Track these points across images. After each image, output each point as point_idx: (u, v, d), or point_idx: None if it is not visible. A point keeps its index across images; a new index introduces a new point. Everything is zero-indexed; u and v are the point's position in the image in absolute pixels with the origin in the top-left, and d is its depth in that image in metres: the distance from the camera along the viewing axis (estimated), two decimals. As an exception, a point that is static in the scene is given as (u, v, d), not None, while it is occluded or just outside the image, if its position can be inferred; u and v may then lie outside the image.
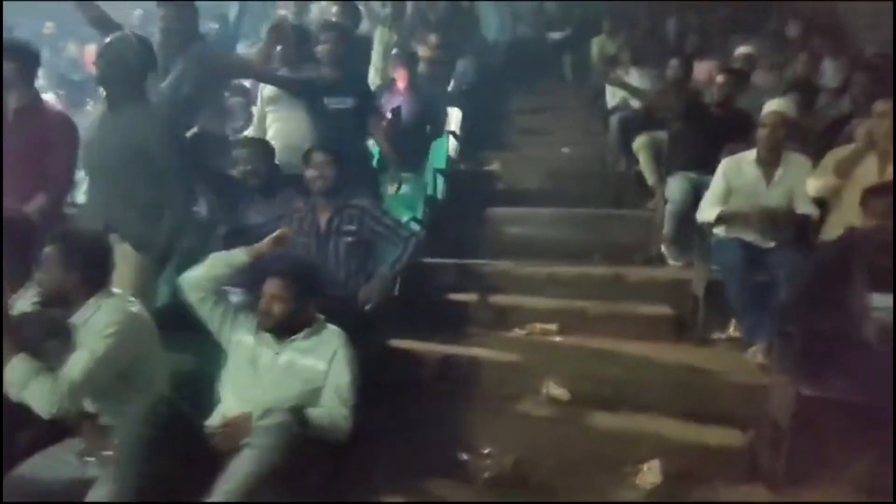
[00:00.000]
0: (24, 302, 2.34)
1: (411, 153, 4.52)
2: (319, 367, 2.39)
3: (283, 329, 2.42)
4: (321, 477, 2.28)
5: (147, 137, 2.83)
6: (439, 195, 4.61)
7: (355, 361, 2.43)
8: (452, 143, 5.22)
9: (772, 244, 3.44)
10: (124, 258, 2.71)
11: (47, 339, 2.20)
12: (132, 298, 2.36)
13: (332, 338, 2.45)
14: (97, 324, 2.15)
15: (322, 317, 2.52)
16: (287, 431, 2.03)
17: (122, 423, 2.03)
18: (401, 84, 4.94)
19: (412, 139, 4.63)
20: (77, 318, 2.20)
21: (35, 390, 2.01)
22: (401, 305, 3.42)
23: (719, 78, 4.34)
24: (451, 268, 4.12)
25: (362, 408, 2.39)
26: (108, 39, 2.96)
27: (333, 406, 2.34)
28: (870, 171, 3.24)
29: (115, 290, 2.34)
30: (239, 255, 2.56)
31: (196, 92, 3.51)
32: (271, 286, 2.39)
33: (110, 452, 2.03)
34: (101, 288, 2.26)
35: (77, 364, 2.07)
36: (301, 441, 2.09)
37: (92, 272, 2.25)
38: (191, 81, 3.48)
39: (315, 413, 2.29)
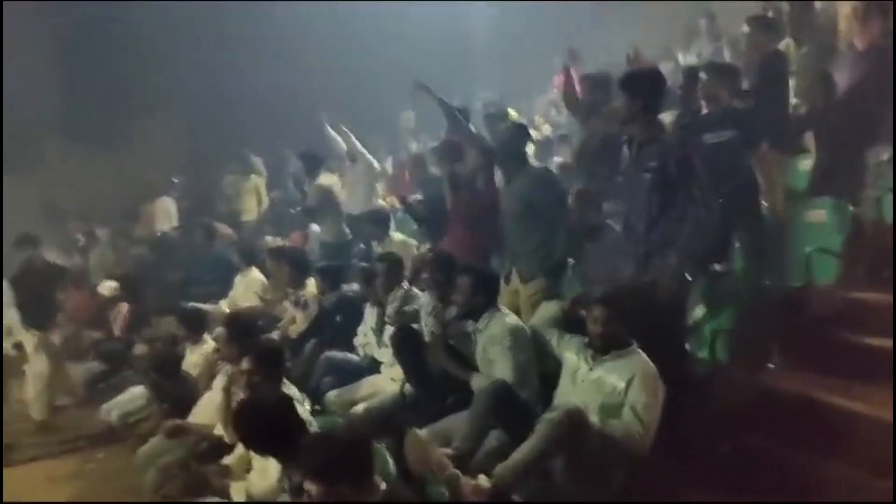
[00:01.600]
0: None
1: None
2: (620, 385, 2.74)
3: (601, 349, 2.86)
4: (622, 480, 2.62)
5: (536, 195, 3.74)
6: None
7: (655, 385, 2.69)
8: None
9: None
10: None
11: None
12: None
13: (635, 362, 2.77)
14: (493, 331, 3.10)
15: (633, 342, 2.85)
16: (557, 428, 2.48)
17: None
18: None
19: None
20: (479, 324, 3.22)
21: None
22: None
23: None
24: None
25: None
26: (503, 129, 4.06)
27: (630, 422, 2.66)
28: None
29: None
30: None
31: None
32: (595, 310, 2.88)
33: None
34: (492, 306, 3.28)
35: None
36: (583, 442, 2.51)
37: (488, 296, 3.28)
38: None
39: (612, 424, 2.66)
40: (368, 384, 3.96)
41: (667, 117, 4.12)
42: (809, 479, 2.86)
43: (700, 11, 7.40)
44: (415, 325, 3.76)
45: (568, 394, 2.93)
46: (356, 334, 4.50)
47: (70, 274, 6.61)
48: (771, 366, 3.50)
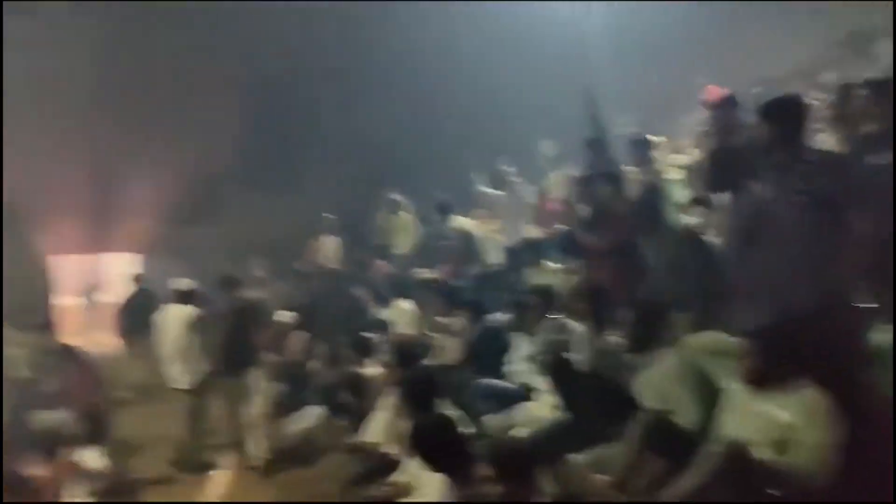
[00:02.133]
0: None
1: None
2: (787, 421, 2.67)
3: (754, 383, 2.82)
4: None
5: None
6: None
7: (828, 421, 2.60)
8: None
9: None
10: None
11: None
12: None
13: (804, 397, 2.69)
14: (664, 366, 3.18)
15: (802, 375, 2.77)
16: (718, 462, 2.49)
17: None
18: None
19: None
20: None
21: None
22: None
23: None
24: None
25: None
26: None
27: (801, 459, 2.59)
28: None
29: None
30: None
31: None
32: (743, 345, 2.85)
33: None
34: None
35: None
36: (747, 477, 2.49)
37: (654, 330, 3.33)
38: None
39: (781, 460, 2.60)
40: (524, 411, 4.15)
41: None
42: None
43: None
44: (569, 355, 3.89)
45: (730, 426, 2.90)
46: (506, 362, 4.73)
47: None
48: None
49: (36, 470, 4.81)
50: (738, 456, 2.54)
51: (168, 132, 10.96)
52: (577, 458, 2.97)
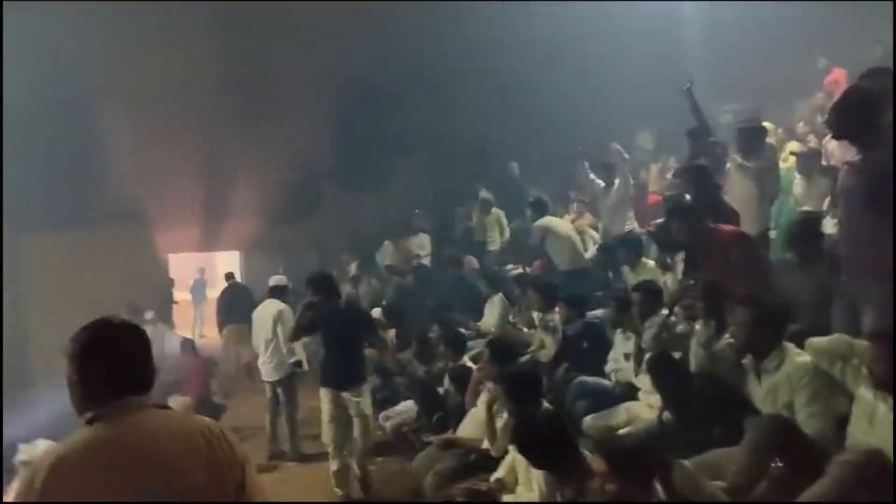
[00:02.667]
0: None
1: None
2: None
3: (881, 387, 2.54)
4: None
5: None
6: None
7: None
8: None
9: None
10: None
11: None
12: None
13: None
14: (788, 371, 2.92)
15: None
16: (856, 471, 2.26)
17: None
18: None
19: None
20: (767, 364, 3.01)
21: None
22: None
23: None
24: None
25: None
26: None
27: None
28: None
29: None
30: None
31: None
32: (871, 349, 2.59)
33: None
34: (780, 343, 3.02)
35: None
36: (887, 487, 2.25)
37: (772, 331, 3.03)
38: None
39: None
40: (625, 410, 3.99)
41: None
42: None
43: None
44: (674, 354, 3.69)
45: (864, 434, 2.63)
46: (606, 360, 4.57)
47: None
48: None
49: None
50: (878, 465, 2.29)
51: (268, 136, 11.48)
52: (685, 462, 2.78)
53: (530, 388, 3.45)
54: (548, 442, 2.80)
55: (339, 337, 4.75)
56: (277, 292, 6.23)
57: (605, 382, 4.40)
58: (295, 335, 5.17)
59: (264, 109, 11.45)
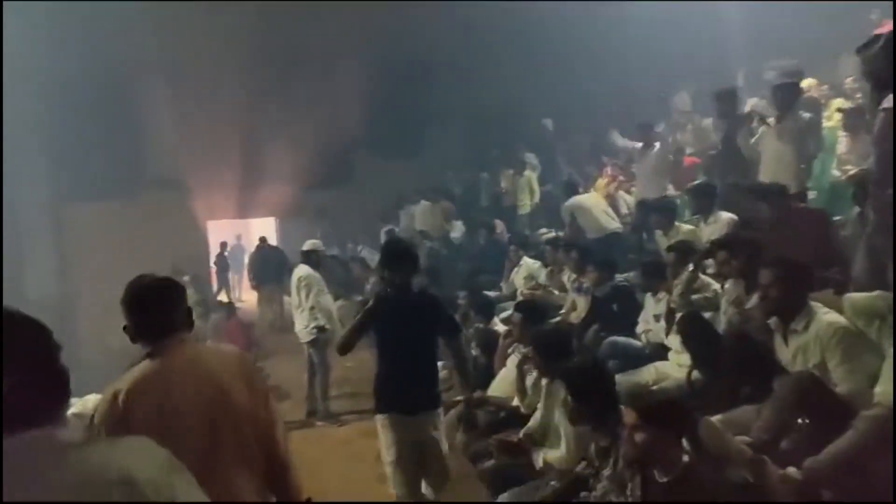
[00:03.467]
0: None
1: None
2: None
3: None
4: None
5: None
6: None
7: None
8: None
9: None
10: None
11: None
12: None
13: None
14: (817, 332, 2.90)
15: None
16: (881, 425, 2.26)
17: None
18: None
19: None
20: (796, 325, 2.99)
21: None
22: None
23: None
24: None
25: None
26: None
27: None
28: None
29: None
30: None
31: None
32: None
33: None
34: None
35: None
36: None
37: (802, 291, 3.00)
38: None
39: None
40: (654, 369, 4.02)
41: None
42: None
43: None
44: (704, 313, 3.70)
45: (891, 393, 2.62)
46: (636, 322, 4.59)
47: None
48: None
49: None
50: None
51: (304, 105, 11.57)
52: (713, 419, 2.82)
53: (560, 349, 3.49)
54: (593, 393, 2.85)
55: (410, 338, 3.27)
56: (307, 257, 6.25)
57: (636, 343, 4.43)
58: (350, 340, 3.35)
59: (300, 78, 11.54)
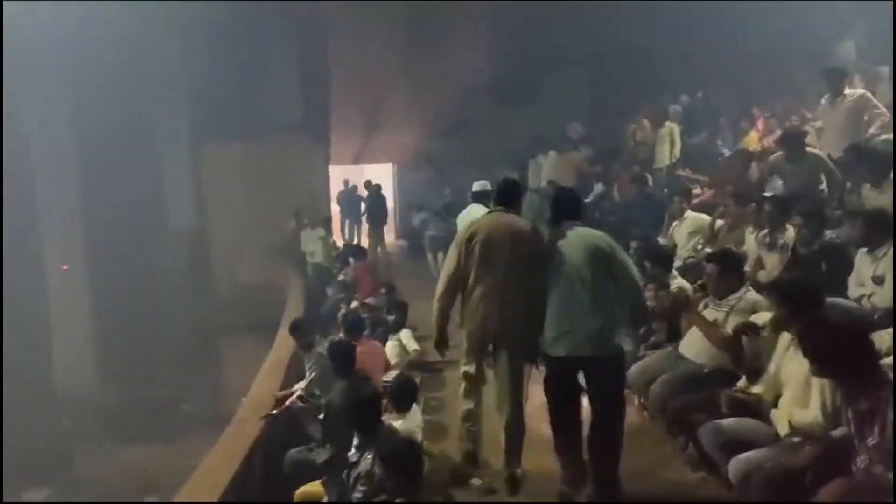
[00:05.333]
0: None
1: None
2: None
3: None
4: None
5: None
6: None
7: None
8: None
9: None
10: None
11: None
12: None
13: None
14: None
15: None
16: None
17: None
18: None
19: None
20: None
21: None
22: None
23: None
24: None
25: None
26: None
27: None
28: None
29: None
30: None
31: None
32: None
33: None
34: None
35: None
36: None
37: None
38: None
39: None
40: (887, 337, 3.65)
41: None
42: None
43: None
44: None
45: None
46: (846, 285, 4.20)
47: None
48: None
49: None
50: None
51: (426, 52, 11.39)
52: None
53: (811, 297, 3.21)
54: (843, 346, 2.58)
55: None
56: (480, 197, 5.98)
57: (858, 308, 4.04)
58: None
59: (422, 25, 11.32)
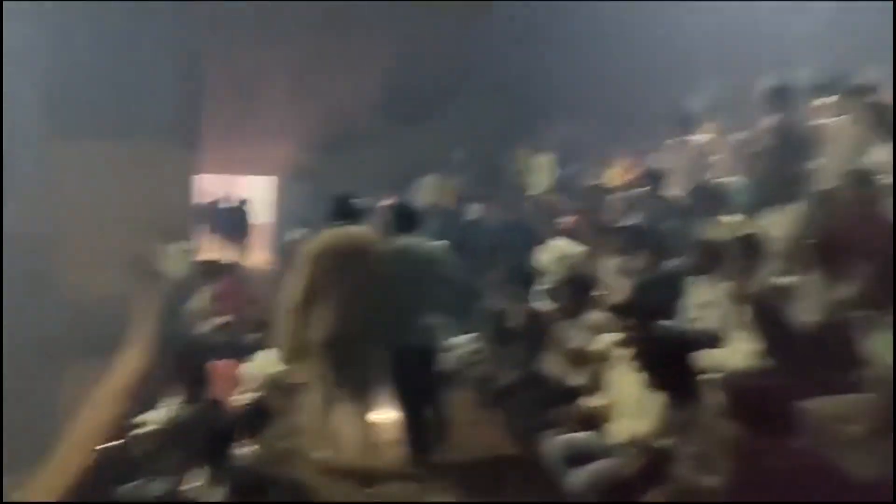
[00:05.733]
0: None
1: None
2: None
3: None
4: None
5: None
6: None
7: None
8: None
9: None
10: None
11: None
12: None
13: None
14: None
15: None
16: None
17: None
18: None
19: None
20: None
21: None
22: None
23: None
24: None
25: None
26: None
27: None
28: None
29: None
30: None
31: None
32: None
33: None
34: None
35: None
36: None
37: None
38: None
39: None
40: (709, 357, 3.99)
41: None
42: None
43: None
44: (776, 304, 3.71)
45: None
46: (681, 309, 4.58)
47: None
48: None
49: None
50: None
51: (315, 63, 11.15)
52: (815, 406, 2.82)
53: (649, 316, 3.47)
54: (670, 362, 2.81)
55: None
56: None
57: (686, 329, 4.40)
58: None
59: (314, 38, 11.05)
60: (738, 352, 3.91)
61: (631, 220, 6.43)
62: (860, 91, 4.85)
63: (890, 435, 2.61)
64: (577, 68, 10.51)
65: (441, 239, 8.01)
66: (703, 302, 4.41)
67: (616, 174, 9.07)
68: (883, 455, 2.42)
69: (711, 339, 4.18)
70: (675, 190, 6.30)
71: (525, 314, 4.86)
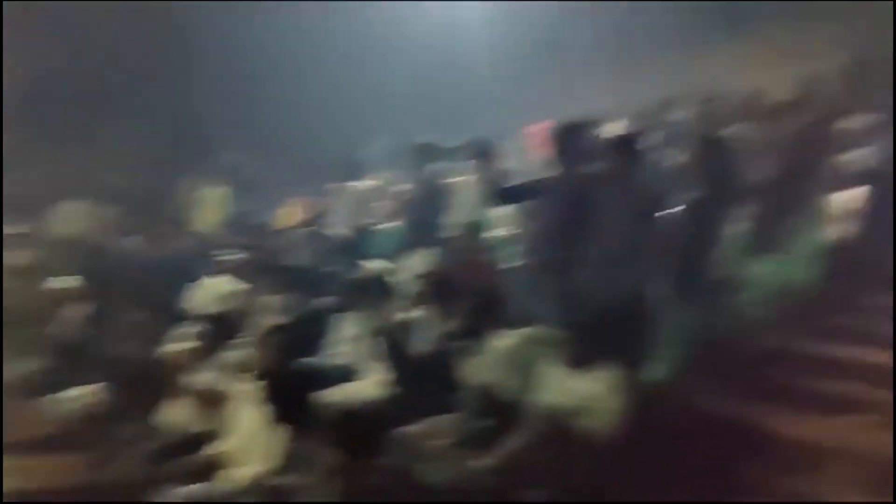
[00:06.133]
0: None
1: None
2: (592, 392, 3.15)
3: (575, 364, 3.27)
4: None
5: None
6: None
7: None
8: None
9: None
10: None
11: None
12: None
13: (606, 376, 3.19)
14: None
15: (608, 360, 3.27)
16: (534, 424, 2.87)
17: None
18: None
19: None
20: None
21: None
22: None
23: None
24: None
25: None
26: None
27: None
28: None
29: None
30: None
31: None
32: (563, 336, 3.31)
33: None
34: None
35: None
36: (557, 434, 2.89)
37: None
38: None
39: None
40: (344, 389, 4.15)
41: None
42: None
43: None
44: (402, 337, 4.06)
45: (547, 397, 3.30)
46: (328, 344, 4.73)
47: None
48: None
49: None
50: (553, 420, 2.91)
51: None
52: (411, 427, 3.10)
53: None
54: (299, 393, 2.84)
55: None
56: None
57: (325, 364, 4.51)
58: None
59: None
60: (370, 383, 4.17)
61: (292, 260, 6.56)
62: (481, 154, 5.72)
63: (467, 447, 3.01)
64: (258, 103, 10.45)
65: (83, 273, 7.16)
66: (346, 338, 4.65)
67: (288, 213, 9.15)
68: (455, 464, 2.77)
69: (347, 374, 4.41)
70: (338, 231, 6.62)
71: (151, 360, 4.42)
